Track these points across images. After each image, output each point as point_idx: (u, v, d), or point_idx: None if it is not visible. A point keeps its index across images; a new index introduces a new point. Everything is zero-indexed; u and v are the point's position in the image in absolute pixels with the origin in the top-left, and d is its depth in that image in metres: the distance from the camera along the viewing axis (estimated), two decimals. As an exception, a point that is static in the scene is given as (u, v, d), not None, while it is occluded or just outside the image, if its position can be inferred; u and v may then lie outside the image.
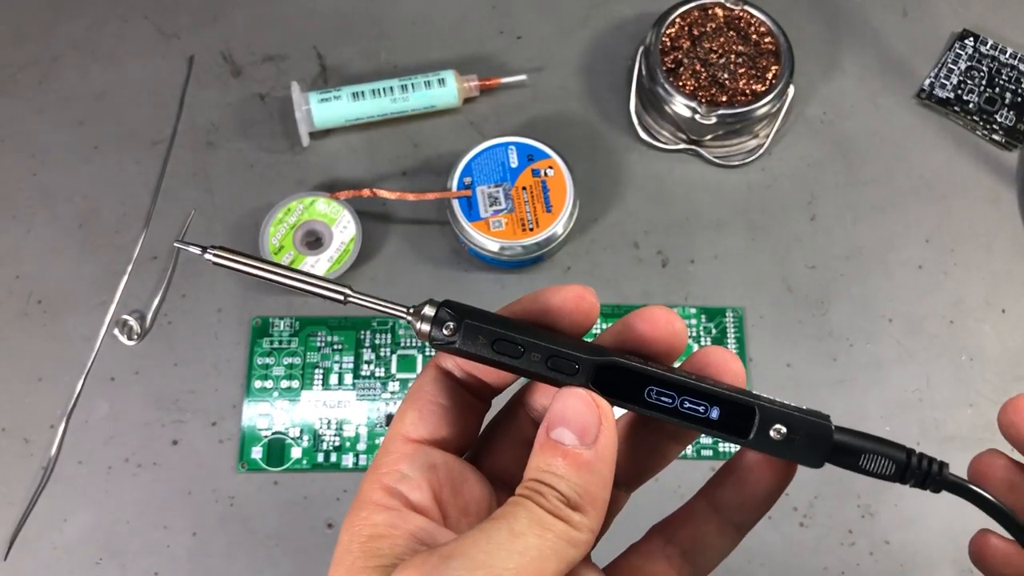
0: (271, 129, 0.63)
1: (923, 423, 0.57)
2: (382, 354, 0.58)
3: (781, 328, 0.59)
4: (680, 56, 0.61)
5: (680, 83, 0.61)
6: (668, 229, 0.61)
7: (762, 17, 0.62)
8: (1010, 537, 0.29)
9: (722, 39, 0.61)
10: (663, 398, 0.27)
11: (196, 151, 0.63)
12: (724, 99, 0.60)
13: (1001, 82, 0.65)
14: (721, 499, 0.29)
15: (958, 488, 0.28)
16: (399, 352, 0.58)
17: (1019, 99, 0.64)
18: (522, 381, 0.29)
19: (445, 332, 0.27)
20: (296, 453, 0.56)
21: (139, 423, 0.56)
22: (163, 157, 0.63)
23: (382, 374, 0.57)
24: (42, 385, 0.57)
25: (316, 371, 0.57)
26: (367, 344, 0.58)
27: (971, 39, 0.66)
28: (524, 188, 0.58)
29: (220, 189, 0.62)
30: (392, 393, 0.57)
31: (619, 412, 0.28)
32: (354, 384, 0.57)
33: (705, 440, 0.56)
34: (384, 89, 0.62)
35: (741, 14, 0.62)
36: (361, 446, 0.56)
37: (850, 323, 0.59)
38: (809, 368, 0.58)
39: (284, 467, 0.56)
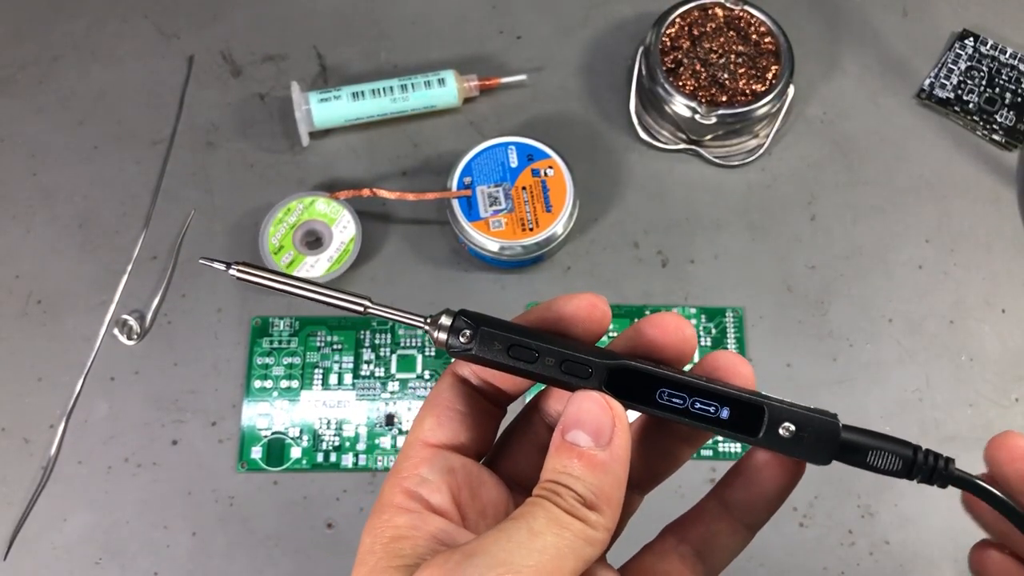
0: (271, 129, 0.63)
1: (923, 423, 0.57)
2: (382, 354, 0.58)
3: (781, 328, 0.59)
4: (680, 56, 0.61)
5: (680, 83, 0.61)
6: (668, 229, 0.61)
7: (762, 17, 0.62)
8: (1016, 530, 0.29)
9: (722, 39, 0.61)
10: (674, 399, 0.27)
11: (196, 151, 0.63)
12: (724, 99, 0.60)
13: (1001, 82, 0.65)
14: (731, 498, 0.30)
15: (965, 483, 0.28)
16: (399, 352, 0.58)
17: (1019, 99, 0.64)
18: (537, 388, 0.30)
19: (462, 340, 0.28)
20: (296, 453, 0.56)
21: (139, 423, 0.56)
22: (163, 157, 0.63)
23: (382, 374, 0.57)
24: (42, 385, 0.57)
25: (316, 371, 0.57)
26: (367, 344, 0.58)
27: (971, 39, 0.66)
28: (524, 188, 0.58)
29: (220, 189, 0.62)
30: (392, 393, 0.57)
31: (632, 416, 0.28)
32: (354, 384, 0.57)
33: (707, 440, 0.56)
34: (384, 89, 0.62)
35: (741, 14, 0.62)
36: (361, 446, 0.56)
37: (850, 323, 0.59)
38: (809, 368, 0.58)
39: (284, 467, 0.56)
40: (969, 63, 0.65)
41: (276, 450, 0.56)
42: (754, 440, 0.27)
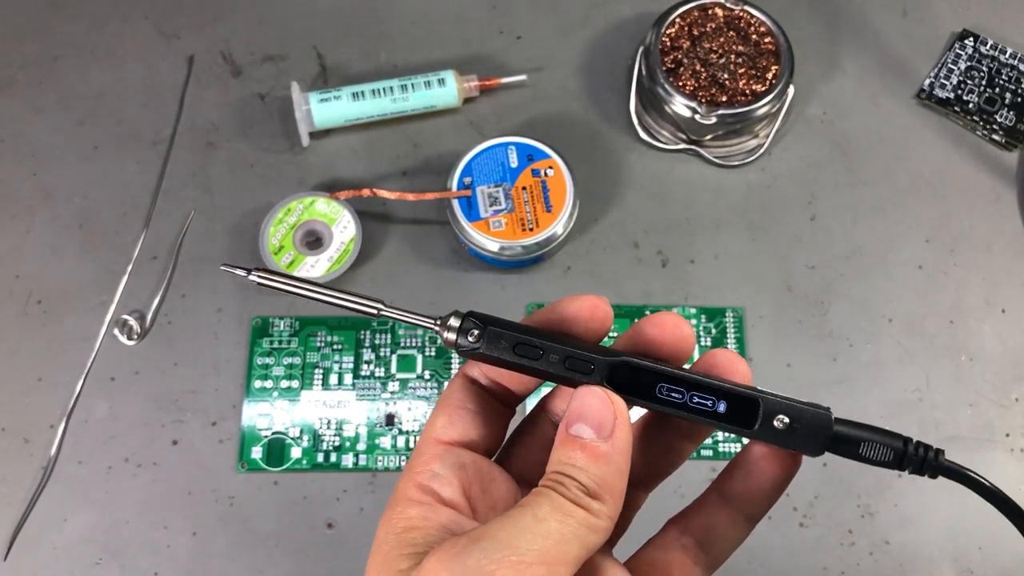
0: (271, 129, 0.63)
1: (923, 423, 0.57)
2: (382, 354, 0.58)
3: (781, 328, 0.59)
4: (680, 56, 0.61)
5: (680, 83, 0.61)
6: (668, 229, 0.61)
7: (762, 17, 0.62)
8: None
9: (722, 39, 0.61)
10: (673, 394, 0.28)
11: (196, 151, 0.63)
12: (724, 99, 0.60)
13: (1001, 82, 0.65)
14: (731, 491, 0.31)
15: (954, 473, 0.29)
16: (399, 352, 0.58)
17: (1019, 99, 0.64)
18: (546, 389, 0.31)
19: (470, 339, 0.29)
20: (296, 453, 0.56)
21: (139, 423, 0.56)
22: (163, 157, 0.63)
23: (382, 374, 0.57)
24: (42, 385, 0.57)
25: (316, 371, 0.57)
26: (367, 344, 0.58)
27: (971, 39, 0.66)
28: (524, 188, 0.58)
29: (220, 189, 0.62)
30: (392, 393, 0.57)
31: (635, 415, 0.29)
32: (354, 384, 0.57)
33: (706, 440, 0.56)
34: (384, 89, 0.62)
35: (741, 14, 0.62)
36: (361, 446, 0.56)
37: (850, 323, 0.59)
38: (809, 368, 0.58)
39: (284, 467, 0.56)
40: (969, 63, 0.65)
41: (276, 450, 0.56)
42: (749, 432, 0.28)
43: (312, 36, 0.66)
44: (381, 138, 0.63)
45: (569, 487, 0.26)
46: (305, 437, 0.56)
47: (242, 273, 0.30)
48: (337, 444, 0.56)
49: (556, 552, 0.25)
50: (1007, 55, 0.65)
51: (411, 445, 0.56)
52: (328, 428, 0.56)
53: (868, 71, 0.66)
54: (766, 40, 0.62)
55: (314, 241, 0.59)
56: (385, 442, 0.56)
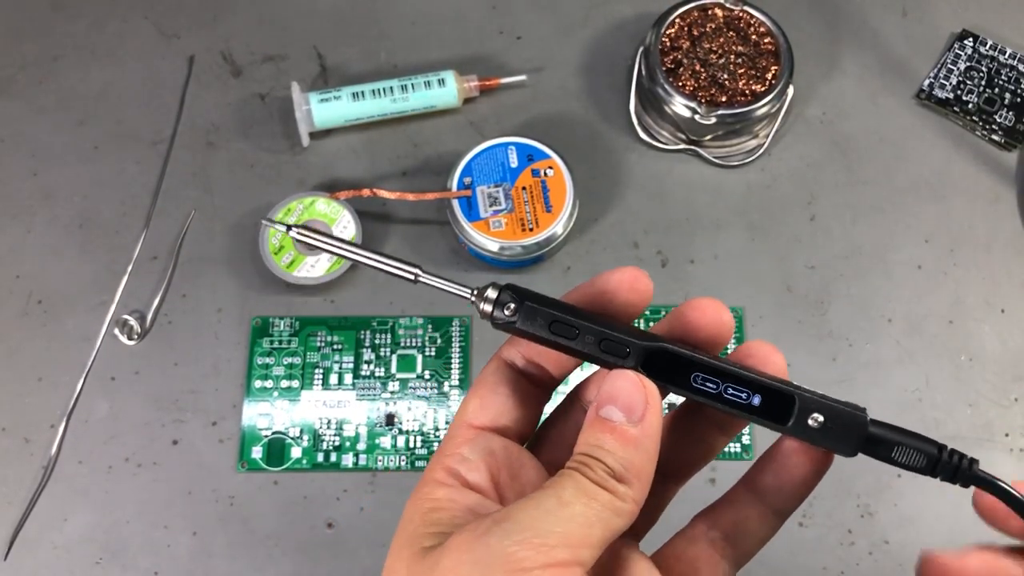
0: (271, 129, 0.63)
1: (923, 423, 0.57)
2: (382, 354, 0.58)
3: (781, 328, 0.59)
4: (680, 56, 0.61)
5: (680, 83, 0.61)
6: (668, 229, 0.61)
7: (762, 17, 0.62)
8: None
9: (722, 39, 0.61)
10: (708, 384, 0.28)
11: (196, 151, 0.63)
12: (724, 99, 0.60)
13: (1000, 82, 0.65)
14: (761, 485, 0.30)
15: (987, 484, 0.29)
16: (399, 352, 0.58)
17: (1018, 99, 0.64)
18: (577, 377, 0.31)
19: (506, 313, 0.29)
20: (296, 453, 0.56)
21: (139, 423, 0.56)
22: (163, 157, 0.63)
23: (382, 374, 0.57)
24: (42, 385, 0.57)
25: (316, 371, 0.57)
26: (367, 344, 0.58)
27: (971, 39, 0.66)
28: (524, 188, 0.58)
29: (220, 189, 0.62)
30: (392, 393, 0.57)
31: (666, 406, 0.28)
32: (354, 384, 0.57)
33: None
34: (384, 89, 0.62)
35: (741, 14, 0.62)
36: (361, 446, 0.56)
37: (850, 323, 0.59)
38: (809, 368, 0.58)
39: (284, 467, 0.56)
40: (968, 63, 0.65)
41: (276, 450, 0.56)
42: (783, 428, 0.28)
43: (312, 36, 0.66)
44: (381, 138, 0.63)
45: (596, 469, 0.26)
46: (305, 437, 0.56)
47: (282, 228, 0.31)
48: (337, 444, 0.56)
49: (579, 535, 0.25)
50: (1007, 55, 0.65)
51: (411, 445, 0.56)
52: (328, 428, 0.56)
53: (868, 71, 0.66)
54: (766, 40, 0.62)
55: (314, 241, 0.59)
56: (385, 442, 0.56)
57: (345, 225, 0.59)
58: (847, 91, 0.65)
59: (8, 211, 0.61)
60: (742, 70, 0.61)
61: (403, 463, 0.56)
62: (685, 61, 0.61)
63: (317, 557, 0.54)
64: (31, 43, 0.66)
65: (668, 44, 0.62)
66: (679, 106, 0.60)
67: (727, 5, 0.62)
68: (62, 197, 0.62)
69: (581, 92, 0.65)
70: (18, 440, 0.56)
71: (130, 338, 0.58)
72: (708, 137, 0.62)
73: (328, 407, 0.57)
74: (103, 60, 0.65)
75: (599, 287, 0.30)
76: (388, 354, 0.58)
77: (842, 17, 0.67)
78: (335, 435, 0.56)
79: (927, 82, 0.65)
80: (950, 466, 0.28)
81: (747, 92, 0.60)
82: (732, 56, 0.61)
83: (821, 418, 0.28)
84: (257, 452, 0.56)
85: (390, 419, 0.57)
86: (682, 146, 0.63)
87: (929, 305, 0.59)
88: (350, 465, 0.56)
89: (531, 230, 0.57)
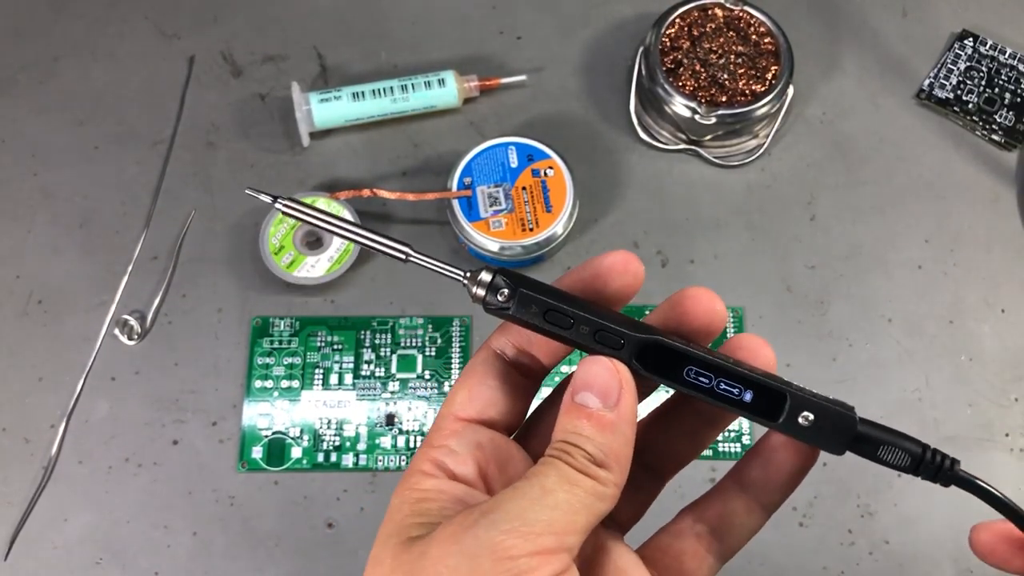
0: (271, 129, 0.64)
1: (923, 423, 0.57)
2: (382, 354, 0.58)
3: (781, 328, 0.59)
4: (680, 56, 0.61)
5: (680, 83, 0.61)
6: (668, 229, 0.61)
7: (762, 17, 0.62)
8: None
9: (722, 39, 0.61)
10: (701, 378, 0.28)
11: (196, 151, 0.63)
12: (724, 99, 0.60)
13: (1000, 82, 0.65)
14: (748, 478, 0.31)
15: (967, 484, 0.29)
16: (399, 352, 0.58)
17: (1018, 99, 0.64)
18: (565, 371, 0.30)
19: (500, 298, 0.28)
20: (296, 453, 0.56)
21: (139, 423, 0.56)
22: (163, 157, 0.63)
23: (382, 374, 0.57)
24: (42, 385, 0.57)
25: (316, 371, 0.57)
26: (367, 344, 0.58)
27: (971, 39, 0.66)
28: (524, 188, 0.58)
29: (220, 189, 0.62)
30: (392, 393, 0.57)
31: (656, 401, 0.29)
32: (354, 384, 0.57)
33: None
34: (384, 89, 0.62)
35: (741, 14, 0.62)
36: (361, 446, 0.56)
37: (850, 323, 0.59)
38: (809, 368, 0.58)
39: (284, 467, 0.56)
40: (968, 63, 0.65)
41: (276, 450, 0.56)
42: (773, 425, 0.28)
43: (312, 36, 0.66)
44: (381, 138, 0.63)
45: (576, 456, 0.26)
46: (305, 437, 0.56)
47: (267, 199, 0.29)
48: (337, 444, 0.56)
49: (564, 522, 0.25)
50: (1007, 55, 0.65)
51: (411, 445, 0.56)
52: (328, 428, 0.56)
53: (868, 71, 0.66)
54: (766, 40, 0.62)
55: (314, 241, 0.59)
56: (385, 442, 0.56)
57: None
58: (847, 91, 0.65)
59: (8, 211, 0.61)
60: (742, 70, 0.61)
61: (403, 463, 0.56)
62: (685, 61, 0.61)
63: (317, 557, 0.54)
64: (31, 43, 0.66)
65: (668, 44, 0.62)
66: (679, 106, 0.60)
67: (727, 5, 0.62)
68: (62, 197, 0.62)
69: (581, 92, 0.65)
70: (18, 440, 0.56)
71: (130, 338, 0.58)
72: (708, 137, 0.62)
73: (328, 407, 0.57)
74: (103, 60, 0.65)
75: (591, 271, 0.30)
76: (388, 354, 0.58)
77: (842, 17, 0.67)
78: (335, 435, 0.56)
79: (927, 82, 0.65)
80: (932, 466, 0.29)
81: (747, 92, 0.60)
82: (732, 56, 0.61)
83: (811, 416, 0.28)
84: (257, 452, 0.56)
85: (390, 419, 0.57)
86: (682, 146, 0.63)
87: (929, 305, 0.59)
88: (350, 465, 0.56)
89: (531, 230, 0.57)
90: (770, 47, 0.62)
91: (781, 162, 0.63)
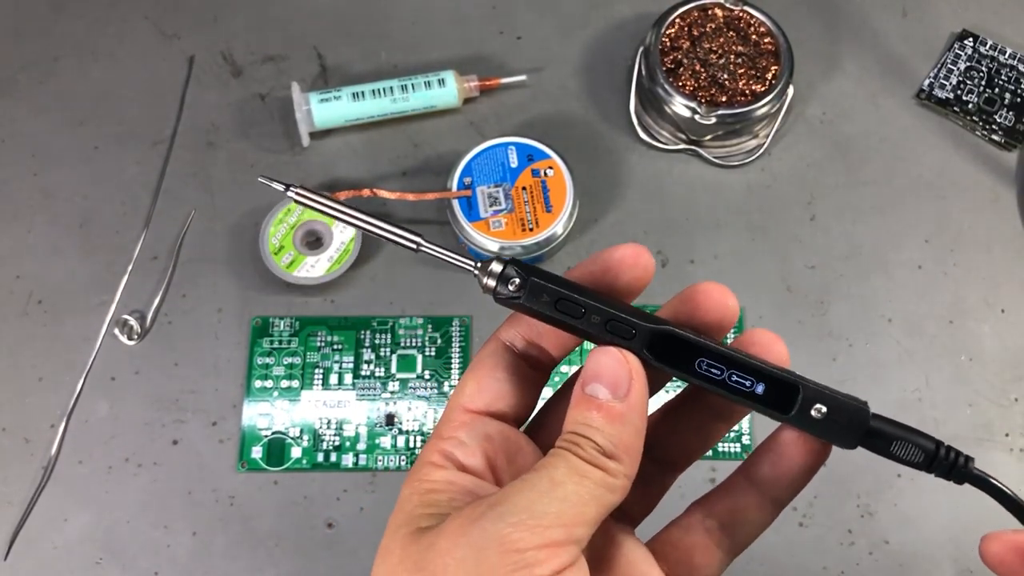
0: (271, 129, 0.64)
1: (923, 423, 0.57)
2: (382, 354, 0.58)
3: (781, 328, 0.58)
4: (680, 56, 0.61)
5: (680, 83, 0.61)
6: (668, 229, 0.61)
7: (762, 17, 0.62)
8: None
9: (722, 39, 0.61)
10: (712, 370, 0.28)
11: (196, 151, 0.63)
12: (724, 99, 0.60)
13: (1000, 82, 0.65)
14: (759, 473, 0.30)
15: (981, 482, 0.29)
16: (399, 352, 0.58)
17: (1018, 99, 0.64)
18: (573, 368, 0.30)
19: (511, 288, 0.28)
20: (296, 453, 0.56)
21: (139, 423, 0.56)
22: (163, 157, 0.63)
23: (382, 374, 0.57)
24: (42, 385, 0.57)
25: (316, 371, 0.57)
26: (367, 344, 0.58)
27: (971, 39, 0.66)
28: (524, 188, 0.58)
29: (220, 189, 0.62)
30: (392, 393, 0.57)
31: (666, 397, 0.29)
32: (354, 384, 0.57)
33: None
34: (384, 89, 0.62)
35: (741, 14, 0.62)
36: (361, 446, 0.56)
37: (850, 323, 0.59)
38: (809, 368, 0.57)
39: (284, 467, 0.56)
40: (968, 63, 0.65)
41: (276, 450, 0.56)
42: (785, 418, 0.28)
43: (312, 36, 0.66)
44: (381, 138, 0.63)
45: (585, 447, 0.26)
46: (305, 437, 0.56)
47: (280, 187, 0.30)
48: (337, 444, 0.56)
49: (573, 514, 0.25)
50: (1006, 55, 0.65)
51: (411, 445, 0.56)
52: (328, 428, 0.56)
53: (868, 71, 0.66)
54: (766, 40, 0.62)
55: (314, 241, 0.59)
56: (385, 442, 0.56)
57: (345, 225, 0.59)
58: (847, 91, 0.65)
59: (8, 211, 0.61)
60: (742, 70, 0.61)
61: (403, 463, 0.56)
62: (685, 61, 0.61)
63: (317, 557, 0.54)
64: (31, 43, 0.66)
65: (668, 44, 0.62)
66: (679, 106, 0.60)
67: (727, 5, 0.62)
68: (62, 197, 0.62)
69: (581, 92, 0.65)
70: (18, 440, 0.56)
71: (130, 338, 0.58)
72: (708, 137, 0.62)
73: (328, 407, 0.57)
74: (103, 60, 0.65)
75: (601, 264, 0.29)
76: (388, 354, 0.58)
77: (842, 17, 0.67)
78: (335, 435, 0.56)
79: (927, 82, 0.65)
80: (946, 463, 0.28)
81: (747, 92, 0.60)
82: (732, 56, 0.61)
83: (824, 409, 0.28)
84: (257, 452, 0.56)
85: (390, 419, 0.57)
86: (682, 146, 0.63)
87: (929, 305, 0.59)
88: (350, 465, 0.56)
89: (531, 230, 0.57)
90: (770, 47, 0.62)
91: (781, 162, 0.63)
